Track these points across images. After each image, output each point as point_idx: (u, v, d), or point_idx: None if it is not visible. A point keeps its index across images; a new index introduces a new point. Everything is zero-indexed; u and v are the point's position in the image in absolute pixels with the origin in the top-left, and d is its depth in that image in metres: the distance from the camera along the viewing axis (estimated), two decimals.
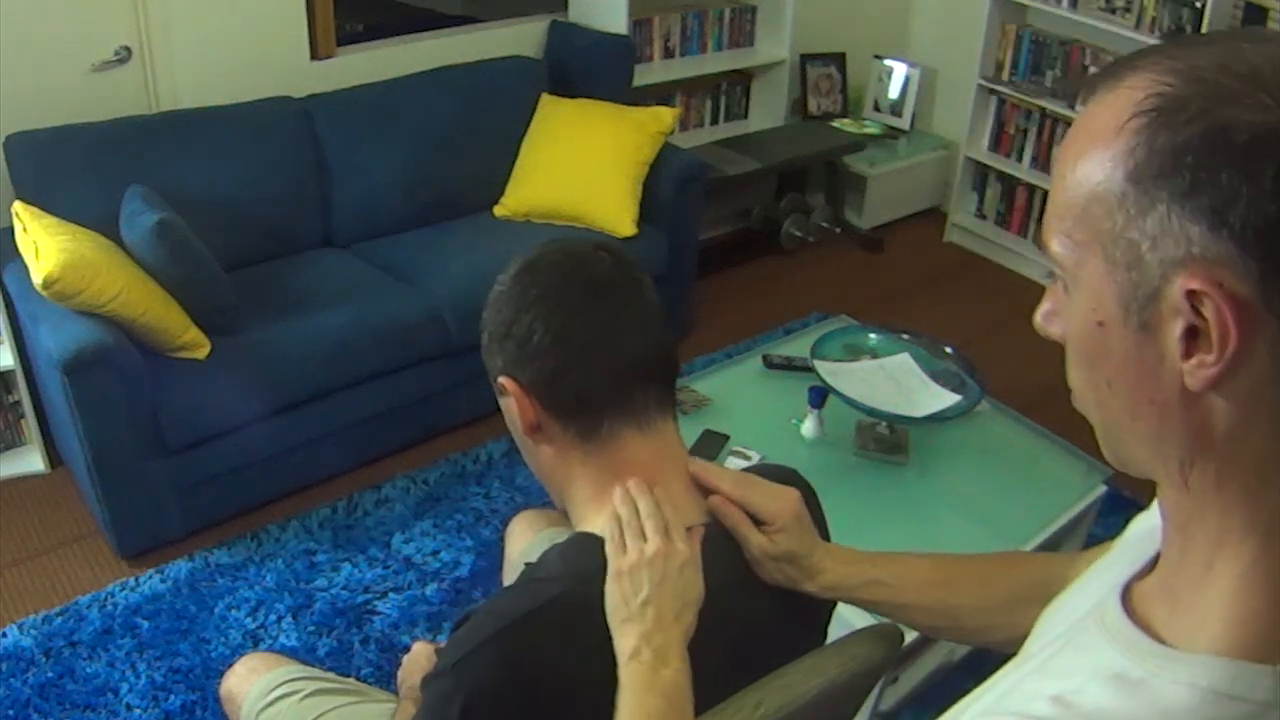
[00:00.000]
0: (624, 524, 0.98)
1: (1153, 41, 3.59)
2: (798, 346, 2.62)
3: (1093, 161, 0.59)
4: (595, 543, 1.00)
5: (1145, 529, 0.77)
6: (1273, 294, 0.54)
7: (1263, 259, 0.54)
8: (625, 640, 0.94)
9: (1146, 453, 0.64)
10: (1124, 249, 0.58)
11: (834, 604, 1.19)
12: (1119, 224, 0.58)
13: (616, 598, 0.95)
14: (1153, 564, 0.70)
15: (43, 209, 2.49)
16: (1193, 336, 0.57)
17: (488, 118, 3.30)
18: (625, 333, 1.00)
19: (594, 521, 1.03)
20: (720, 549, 1.04)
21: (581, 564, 0.98)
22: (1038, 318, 0.69)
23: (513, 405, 1.02)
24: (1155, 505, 0.71)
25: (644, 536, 0.97)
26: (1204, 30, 3.37)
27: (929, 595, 1.09)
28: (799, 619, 1.14)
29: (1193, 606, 0.61)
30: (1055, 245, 0.63)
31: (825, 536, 1.17)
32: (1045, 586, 0.88)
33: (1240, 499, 0.60)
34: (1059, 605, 0.80)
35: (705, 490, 1.07)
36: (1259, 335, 0.55)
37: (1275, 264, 0.54)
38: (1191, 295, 0.55)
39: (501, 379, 1.02)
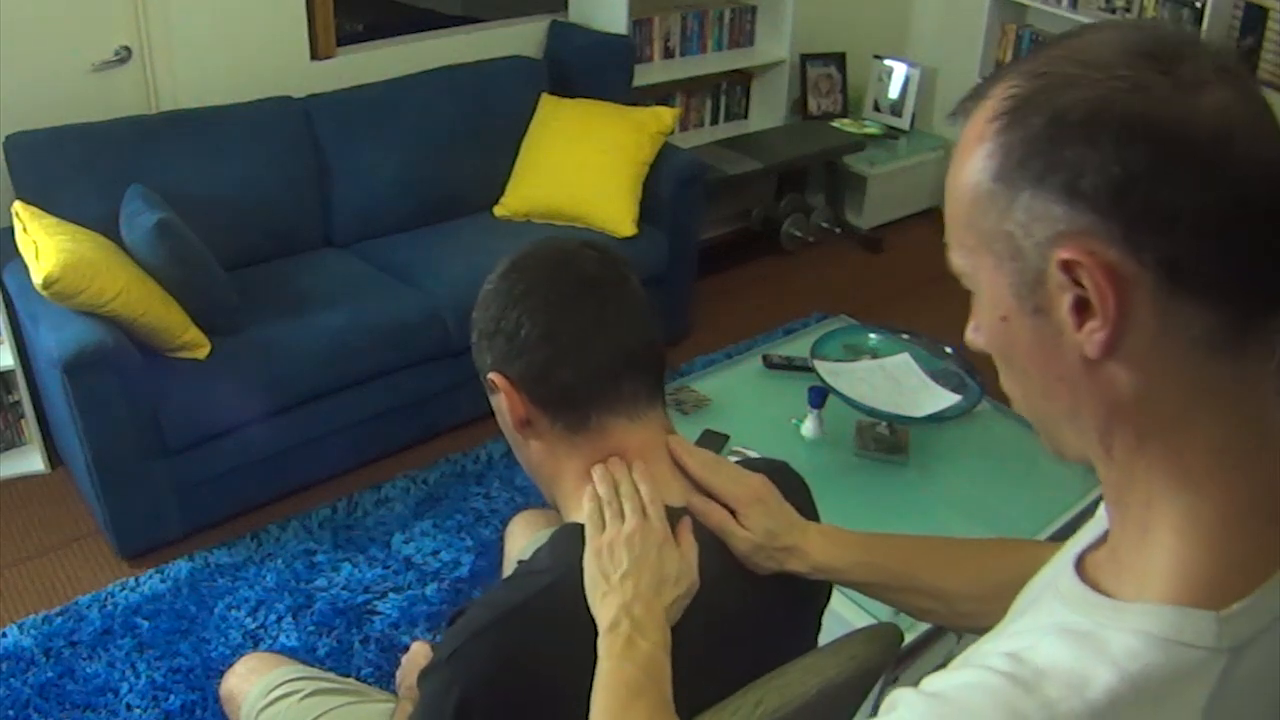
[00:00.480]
0: (603, 503, 0.99)
1: None
2: (798, 346, 2.62)
3: (964, 170, 0.64)
4: (582, 530, 1.01)
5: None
6: (1140, 249, 0.57)
7: (1123, 221, 0.57)
8: (605, 612, 0.94)
9: (1071, 432, 0.67)
10: (1003, 242, 0.63)
11: (828, 596, 1.19)
12: (993, 220, 0.63)
13: (595, 573, 0.96)
14: (1104, 536, 0.72)
15: (43, 209, 2.49)
16: (1082, 308, 0.60)
17: (488, 118, 3.30)
18: (612, 325, 1.01)
19: (580, 511, 1.04)
20: (711, 540, 1.04)
21: (570, 551, 0.99)
22: (968, 334, 0.72)
23: (503, 401, 1.03)
24: None
25: (622, 516, 0.98)
26: (1203, 30, 3.37)
27: (920, 579, 1.08)
28: (792, 609, 1.14)
29: (1134, 565, 0.64)
30: (954, 258, 0.68)
31: None
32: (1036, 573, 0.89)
33: (1161, 457, 0.62)
34: (1030, 585, 0.82)
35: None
36: (1137, 291, 0.58)
37: (1132, 221, 0.57)
38: (1067, 267, 0.59)
39: (491, 375, 1.03)
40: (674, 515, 1.03)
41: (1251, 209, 0.57)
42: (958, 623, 1.15)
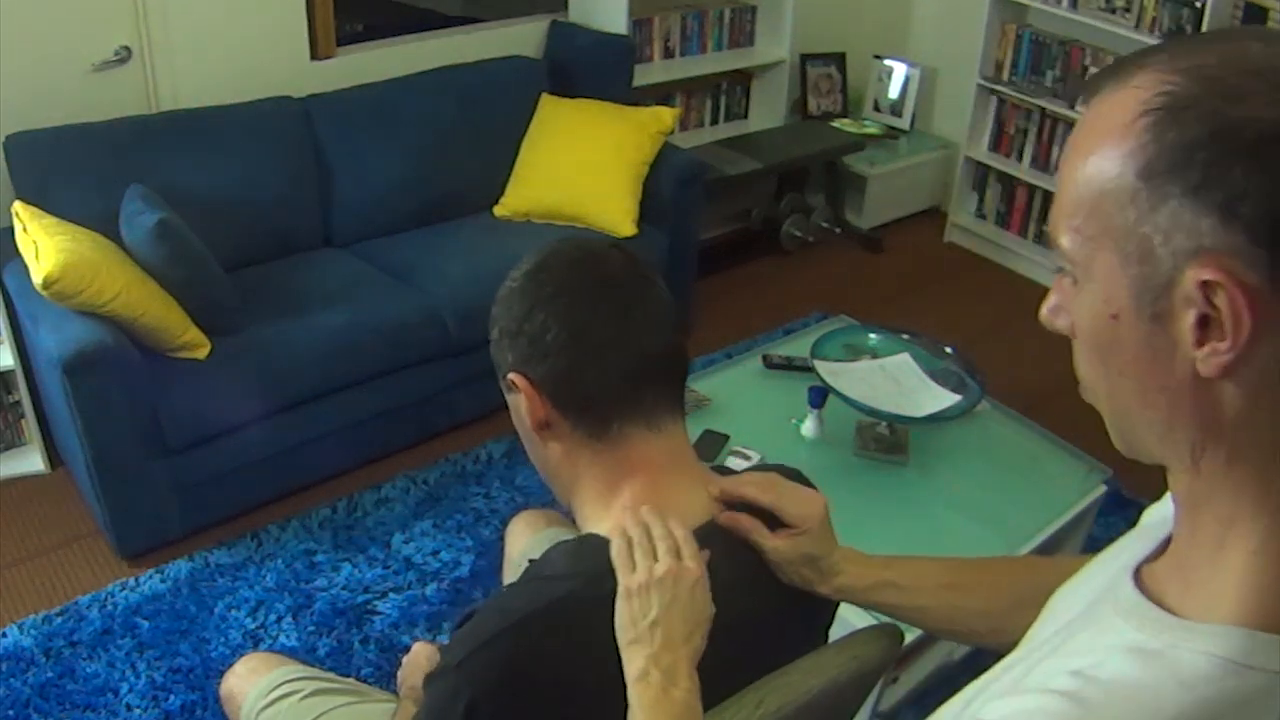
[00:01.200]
0: (634, 543, 0.97)
1: (1152, 41, 3.59)
2: (798, 346, 2.62)
3: (1102, 158, 0.61)
4: (604, 543, 1.00)
5: (1158, 518, 0.78)
6: None
7: (1273, 248, 0.56)
8: (633, 662, 0.93)
9: (1156, 439, 0.66)
10: (1136, 243, 0.60)
11: (837, 605, 1.19)
12: (1131, 219, 0.60)
13: (625, 617, 0.95)
14: (1164, 547, 0.71)
15: (43, 209, 2.49)
16: (1204, 325, 0.58)
17: (488, 118, 3.30)
18: (638, 332, 1.00)
19: (601, 522, 1.03)
20: (728, 547, 1.03)
21: (590, 564, 0.98)
22: (1044, 311, 0.70)
23: (521, 402, 1.02)
24: (1168, 496, 0.73)
25: (654, 555, 0.96)
26: (1204, 29, 3.38)
27: (940, 598, 1.09)
28: (802, 619, 1.14)
29: (1205, 583, 0.63)
30: (1065, 241, 0.64)
31: None
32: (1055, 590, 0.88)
33: (1251, 480, 0.61)
34: (1067, 592, 0.81)
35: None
36: (1270, 322, 0.57)
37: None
38: (1205, 286, 0.57)
39: (511, 375, 1.01)
40: (706, 534, 1.02)
41: None
42: (975, 640, 1.15)
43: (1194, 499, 0.65)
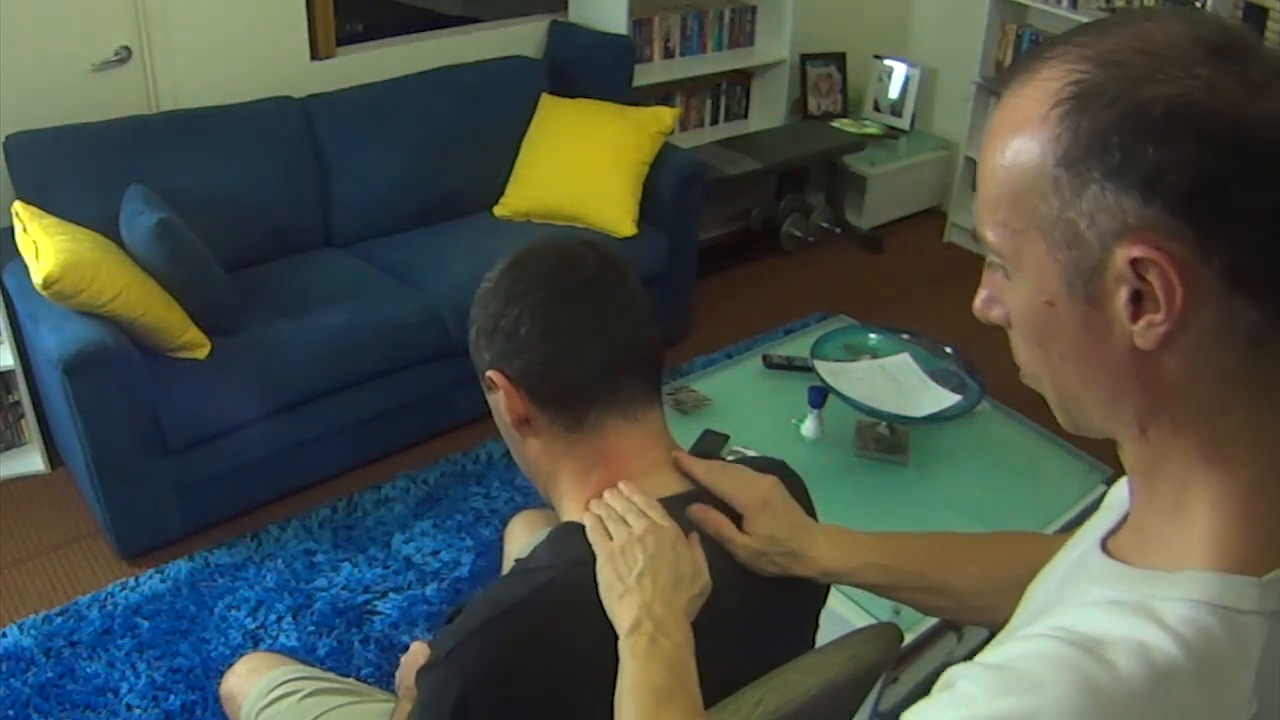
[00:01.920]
0: (604, 517, 0.99)
1: None
2: (798, 346, 2.62)
3: (1021, 151, 0.63)
4: (580, 529, 1.01)
5: (1119, 496, 0.80)
6: (1209, 252, 0.58)
7: (1195, 220, 0.58)
8: (625, 613, 0.93)
9: (1102, 414, 0.68)
10: (1063, 229, 0.62)
11: (827, 591, 1.19)
12: (1055, 207, 0.62)
13: (610, 575, 0.95)
14: (1125, 519, 0.73)
15: (43, 209, 2.49)
16: (1138, 300, 0.61)
17: (488, 118, 3.30)
18: (611, 324, 1.01)
19: (578, 510, 1.04)
20: (710, 539, 1.04)
21: (568, 549, 0.99)
22: (977, 304, 0.72)
23: (501, 399, 1.03)
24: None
25: (626, 523, 0.98)
26: None
27: (930, 577, 1.09)
28: (790, 610, 1.14)
29: (1170, 540, 0.65)
30: (991, 235, 0.66)
31: None
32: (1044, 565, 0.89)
33: (1199, 442, 0.64)
34: (1043, 577, 0.83)
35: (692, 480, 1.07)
36: (1202, 290, 0.59)
37: (1207, 223, 0.58)
38: (1135, 263, 0.59)
39: (490, 373, 1.03)
40: (675, 504, 1.03)
41: None
42: (966, 617, 1.15)
43: (1146, 466, 0.67)
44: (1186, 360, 0.61)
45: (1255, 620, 0.60)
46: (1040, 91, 0.62)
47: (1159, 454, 0.65)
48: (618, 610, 0.94)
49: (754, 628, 1.08)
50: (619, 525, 0.98)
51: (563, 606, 0.95)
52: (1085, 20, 3.33)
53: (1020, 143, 0.63)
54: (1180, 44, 0.59)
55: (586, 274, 1.03)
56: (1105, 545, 0.72)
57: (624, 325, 1.02)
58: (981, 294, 0.71)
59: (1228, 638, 0.60)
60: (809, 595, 1.16)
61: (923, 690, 2.17)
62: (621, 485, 1.02)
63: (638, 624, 0.92)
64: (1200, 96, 0.57)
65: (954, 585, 1.08)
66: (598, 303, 1.01)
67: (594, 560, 0.97)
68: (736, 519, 1.06)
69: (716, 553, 1.03)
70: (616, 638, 0.94)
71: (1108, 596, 0.65)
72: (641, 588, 0.94)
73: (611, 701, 0.92)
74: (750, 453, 2.21)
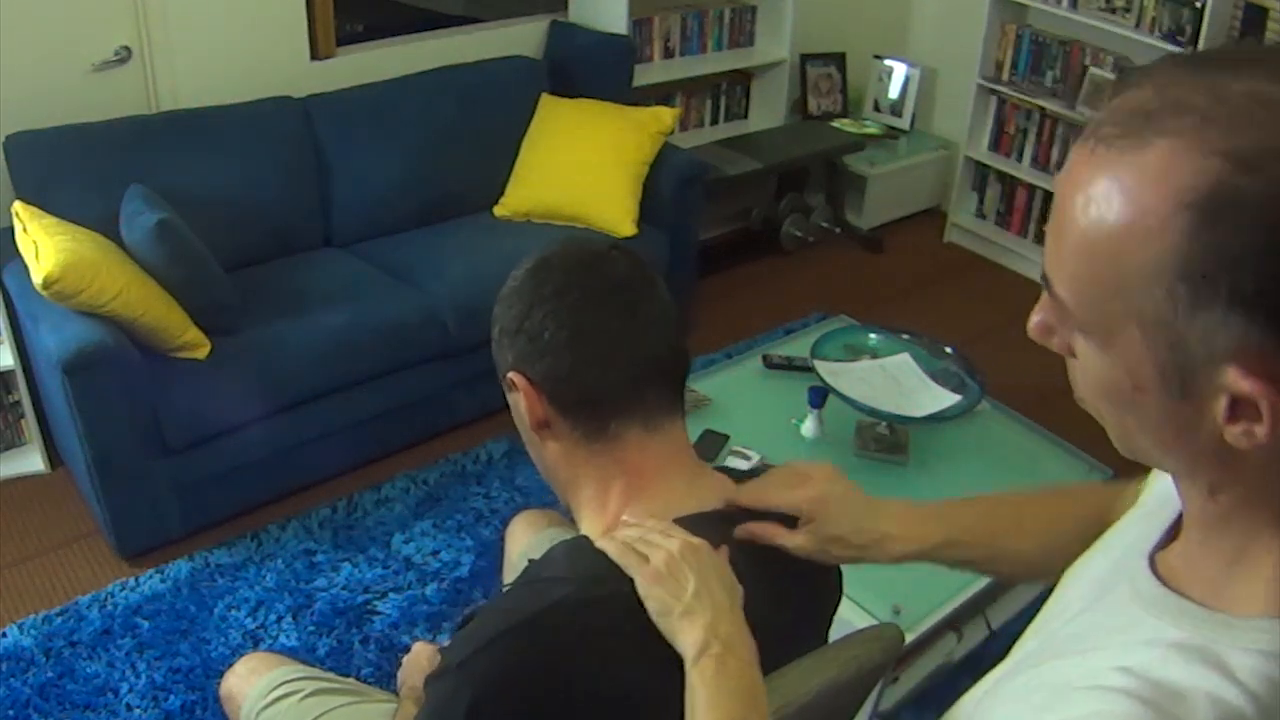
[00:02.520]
0: (630, 540, 0.96)
1: (1152, 43, 3.58)
2: (798, 346, 2.62)
3: (1132, 246, 0.56)
4: (598, 549, 0.99)
5: (1157, 498, 0.77)
6: None
7: None
8: (689, 634, 0.90)
9: (1170, 468, 0.65)
10: (1168, 333, 0.57)
11: (839, 598, 1.18)
12: (1165, 314, 0.56)
13: (663, 596, 0.92)
14: (1171, 532, 0.70)
15: (43, 209, 2.49)
16: (1236, 404, 0.56)
17: (488, 118, 3.30)
18: (638, 332, 0.99)
19: (597, 522, 1.03)
20: (724, 540, 1.03)
21: (586, 564, 0.97)
22: (1032, 328, 0.67)
23: (521, 401, 1.01)
24: (1158, 473, 0.73)
25: (655, 544, 0.95)
26: (1203, 38, 3.37)
27: (996, 546, 1.06)
28: (806, 620, 1.14)
29: (1232, 581, 0.62)
30: (1072, 301, 0.61)
31: None
32: (1105, 520, 0.87)
33: (1267, 507, 0.61)
34: (1076, 579, 0.81)
35: (720, 490, 1.06)
36: None
37: None
38: (1242, 386, 0.55)
39: (511, 374, 1.01)
40: (698, 522, 1.01)
41: None
42: (1024, 577, 1.12)
43: (1209, 518, 0.64)
44: (1273, 455, 0.57)
45: None
46: (1161, 178, 0.54)
47: (1226, 513, 0.63)
48: (680, 631, 0.91)
49: (770, 636, 1.07)
50: (651, 546, 0.94)
51: (578, 624, 0.93)
52: (1085, 21, 3.26)
53: (1132, 236, 0.55)
54: None
55: (615, 279, 1.00)
56: (1154, 564, 0.69)
57: (651, 334, 1.00)
58: (1036, 317, 0.66)
59: None
60: (825, 603, 1.16)
61: (922, 691, 2.18)
62: (628, 516, 1.00)
63: (706, 645, 0.90)
64: None
65: (1017, 550, 1.06)
66: (624, 309, 0.99)
67: (613, 578, 0.95)
68: (790, 520, 1.05)
69: (740, 560, 1.02)
70: (630, 659, 0.93)
71: (1170, 638, 0.62)
72: (702, 606, 0.91)
73: (624, 717, 0.92)
74: (754, 454, 2.22)
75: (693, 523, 1.01)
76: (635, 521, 0.99)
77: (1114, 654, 0.64)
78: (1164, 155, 0.54)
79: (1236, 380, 0.55)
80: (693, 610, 0.91)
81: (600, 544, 0.96)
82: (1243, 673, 0.58)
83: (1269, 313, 0.53)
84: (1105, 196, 0.57)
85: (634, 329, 0.99)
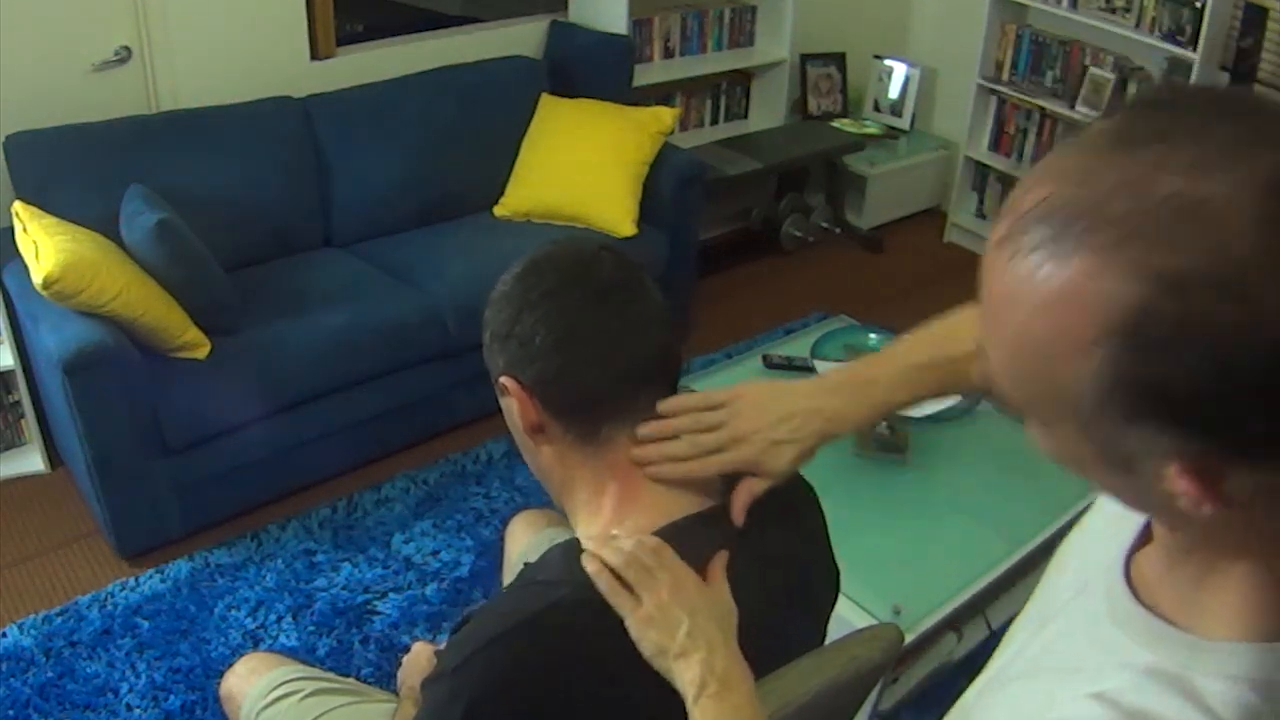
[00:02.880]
0: (620, 570, 0.94)
1: (1152, 43, 3.58)
2: (798, 346, 2.62)
3: (1061, 362, 0.54)
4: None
5: None
6: (1258, 462, 0.53)
7: (1262, 455, 0.53)
8: (686, 674, 0.90)
9: (1135, 510, 0.66)
10: (1104, 436, 0.56)
11: (834, 603, 1.19)
12: (1098, 420, 0.55)
13: (657, 641, 0.92)
14: (1145, 533, 0.71)
15: (43, 209, 2.49)
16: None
17: (488, 118, 3.30)
18: (628, 334, 0.99)
19: (592, 524, 1.03)
20: (724, 536, 1.02)
21: (579, 572, 0.96)
22: (975, 378, 0.66)
23: (514, 405, 1.01)
24: None
25: (645, 578, 0.94)
26: (1202, 38, 3.37)
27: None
28: (802, 617, 1.14)
29: (1203, 601, 0.63)
30: (1005, 385, 0.59)
31: (825, 540, 1.16)
32: None
33: (1225, 545, 0.61)
34: (1055, 577, 0.81)
35: (703, 486, 1.06)
36: (1242, 476, 0.54)
37: (1261, 450, 0.52)
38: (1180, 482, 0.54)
39: (503, 379, 1.01)
40: (695, 525, 1.01)
41: None
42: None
43: (1171, 547, 0.65)
44: (1229, 509, 0.56)
45: None
46: (1083, 300, 0.51)
47: (1187, 546, 0.63)
48: (677, 672, 0.91)
49: (769, 636, 1.07)
50: (643, 586, 0.93)
51: (575, 626, 0.93)
52: (1085, 21, 3.24)
53: (1059, 354, 0.54)
54: (1247, 232, 0.48)
55: (604, 280, 1.00)
56: (1130, 569, 0.69)
57: (641, 335, 1.00)
58: (979, 367, 0.65)
59: (1271, 710, 0.58)
60: (823, 601, 1.16)
61: (922, 691, 2.18)
62: (615, 533, 0.99)
63: (704, 685, 0.90)
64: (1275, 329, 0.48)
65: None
66: (614, 312, 0.99)
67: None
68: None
69: (725, 543, 1.01)
70: (627, 662, 0.93)
71: (1144, 662, 0.62)
72: (696, 645, 0.91)
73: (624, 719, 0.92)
74: None
75: (688, 525, 1.00)
76: (623, 537, 0.98)
77: (1088, 677, 0.64)
78: (1084, 276, 0.51)
79: (1176, 478, 0.54)
80: (687, 651, 0.91)
81: (591, 572, 0.94)
82: (1214, 700, 0.58)
83: (1204, 427, 0.52)
84: (1029, 313, 0.54)
85: (624, 331, 0.99)
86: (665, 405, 1.02)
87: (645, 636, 0.92)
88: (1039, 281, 0.53)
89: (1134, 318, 0.50)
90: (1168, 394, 0.51)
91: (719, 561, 0.99)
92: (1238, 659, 0.59)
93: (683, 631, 0.92)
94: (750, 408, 1.04)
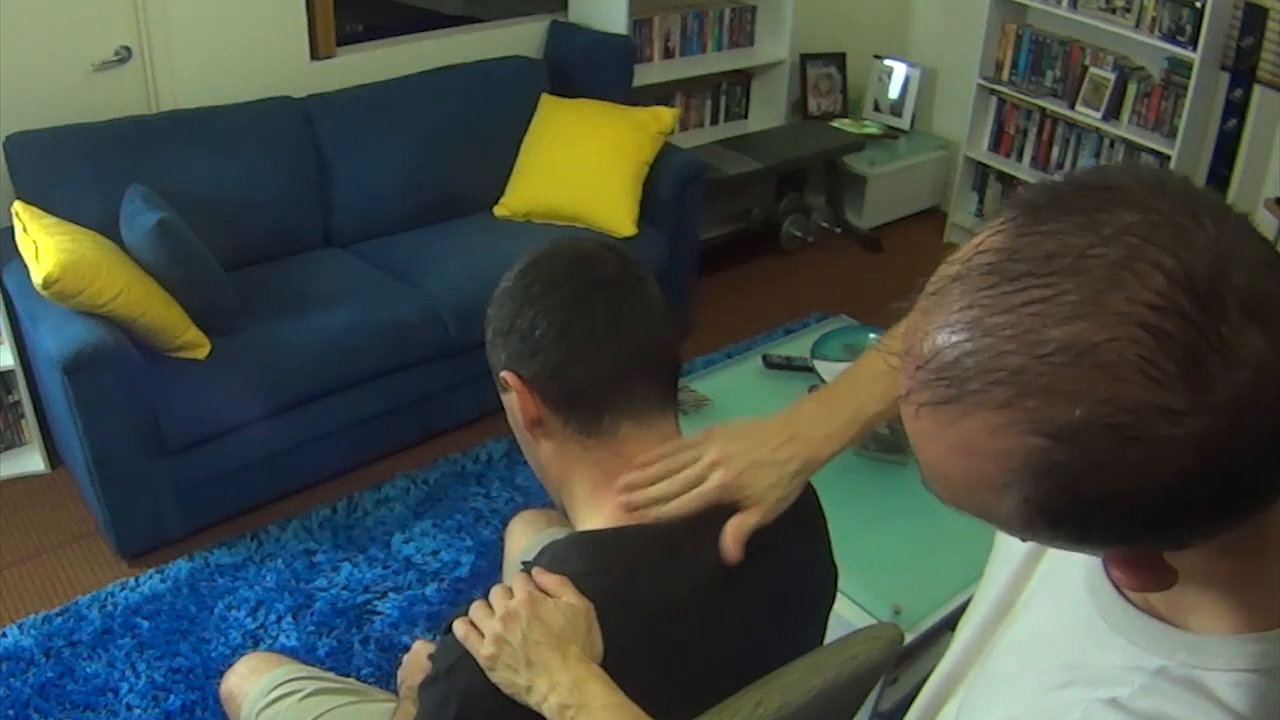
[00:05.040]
0: (465, 635, 0.94)
1: (1152, 43, 3.58)
2: (798, 346, 2.62)
3: (981, 495, 0.56)
4: (594, 543, 1.00)
5: None
6: (1202, 546, 0.57)
7: (1195, 542, 0.56)
8: (546, 708, 0.90)
9: None
10: (1041, 538, 0.59)
11: (834, 595, 1.18)
12: (1034, 536, 0.59)
13: (508, 682, 0.92)
14: None
15: (43, 209, 2.49)
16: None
17: (488, 118, 3.30)
18: (628, 329, 1.00)
19: (591, 520, 1.03)
20: (702, 552, 1.02)
21: (574, 562, 0.98)
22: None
23: (515, 400, 1.02)
24: None
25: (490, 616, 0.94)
26: (1202, 38, 3.37)
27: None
28: (807, 618, 1.14)
29: (1187, 598, 0.63)
30: (952, 505, 0.62)
31: (826, 540, 1.16)
32: None
33: (1189, 567, 0.61)
34: (1011, 550, 0.81)
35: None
36: (1189, 554, 0.58)
37: (1207, 539, 0.56)
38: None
39: (504, 374, 1.02)
40: (703, 519, 1.00)
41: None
42: None
43: None
44: (1173, 578, 0.60)
45: None
46: (986, 452, 0.53)
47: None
48: (537, 705, 0.91)
49: (770, 635, 1.07)
50: (482, 631, 0.94)
51: None
52: (1085, 21, 3.23)
53: (977, 491, 0.56)
54: (1123, 358, 0.49)
55: (604, 277, 1.01)
56: (1110, 569, 0.69)
57: (640, 330, 1.01)
58: None
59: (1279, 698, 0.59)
60: (822, 600, 1.16)
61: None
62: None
63: (564, 709, 0.90)
64: (1186, 461, 0.50)
65: None
66: (614, 307, 1.00)
67: (602, 573, 0.96)
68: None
69: (709, 563, 1.01)
70: (625, 657, 0.93)
71: (1151, 665, 0.62)
72: (538, 676, 0.91)
73: None
74: None
75: (691, 520, 1.01)
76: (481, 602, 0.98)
77: (1094, 683, 0.64)
78: (984, 434, 0.53)
79: (1112, 568, 0.60)
80: (534, 686, 0.91)
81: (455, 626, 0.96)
82: (1226, 694, 0.59)
83: (1123, 542, 0.56)
84: (943, 455, 0.56)
85: (622, 326, 1.00)
86: (642, 459, 1.02)
87: (499, 679, 0.92)
88: (945, 434, 0.55)
89: (1037, 468, 0.52)
90: (1082, 524, 0.54)
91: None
92: (1242, 653, 0.60)
93: (524, 678, 0.91)
94: (723, 438, 1.04)
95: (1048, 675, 0.69)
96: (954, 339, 0.54)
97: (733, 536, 1.00)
